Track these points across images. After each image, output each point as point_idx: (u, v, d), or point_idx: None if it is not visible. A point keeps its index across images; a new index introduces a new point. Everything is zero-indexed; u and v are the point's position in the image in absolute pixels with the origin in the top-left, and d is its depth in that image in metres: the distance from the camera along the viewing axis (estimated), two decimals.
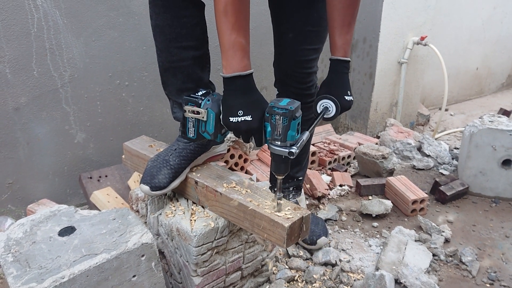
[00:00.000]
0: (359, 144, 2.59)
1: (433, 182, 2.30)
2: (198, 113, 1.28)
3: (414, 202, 2.07)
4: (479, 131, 2.18)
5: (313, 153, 2.40)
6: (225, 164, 2.20)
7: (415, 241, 1.86)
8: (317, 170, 2.43)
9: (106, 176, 2.01)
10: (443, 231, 1.92)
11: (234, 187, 1.40)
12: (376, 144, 2.62)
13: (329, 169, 2.47)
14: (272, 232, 1.26)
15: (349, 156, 2.55)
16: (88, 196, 1.91)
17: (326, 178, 2.34)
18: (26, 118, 1.86)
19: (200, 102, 1.28)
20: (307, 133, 1.26)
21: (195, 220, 1.39)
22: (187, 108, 1.29)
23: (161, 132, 2.23)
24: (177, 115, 1.50)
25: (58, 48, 1.85)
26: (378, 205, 2.06)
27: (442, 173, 2.49)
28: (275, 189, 1.28)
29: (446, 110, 3.61)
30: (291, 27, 1.55)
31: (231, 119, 1.21)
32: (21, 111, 1.84)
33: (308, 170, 2.31)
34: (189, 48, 1.38)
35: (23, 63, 1.80)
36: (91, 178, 1.98)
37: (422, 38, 2.79)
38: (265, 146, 2.47)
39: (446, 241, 1.90)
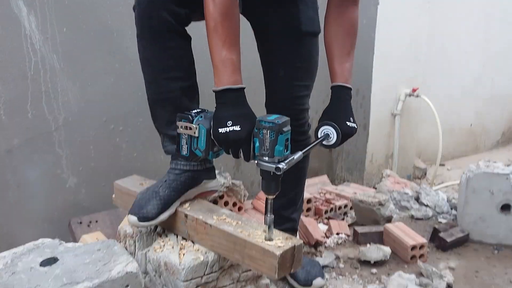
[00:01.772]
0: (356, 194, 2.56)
1: (432, 230, 2.25)
2: (190, 128, 1.29)
3: (414, 248, 2.00)
4: (475, 176, 2.16)
5: (309, 201, 2.37)
6: None
7: (416, 285, 1.78)
8: (313, 218, 2.37)
9: (96, 221, 1.97)
10: (445, 277, 1.85)
11: (225, 219, 1.37)
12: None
13: (326, 218, 2.42)
14: (263, 262, 1.21)
15: (345, 206, 2.51)
16: (77, 240, 1.85)
17: (322, 227, 2.29)
18: (18, 161, 1.85)
19: (192, 118, 1.29)
20: (300, 153, 1.25)
21: (184, 254, 1.35)
22: (179, 124, 1.31)
23: (155, 178, 2.20)
24: (168, 149, 1.49)
25: (53, 92, 1.88)
26: (376, 251, 2.00)
27: (441, 222, 2.44)
28: (266, 213, 1.24)
29: (443, 165, 3.61)
30: (281, 65, 1.58)
31: (220, 130, 1.22)
32: (13, 153, 1.84)
33: (304, 217, 2.26)
34: (177, 79, 1.40)
35: (18, 105, 1.82)
36: (81, 223, 1.94)
37: (414, 90, 2.85)
38: (261, 194, 2.45)
39: (448, 286, 1.82)
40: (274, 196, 1.23)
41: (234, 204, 2.23)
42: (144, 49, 1.39)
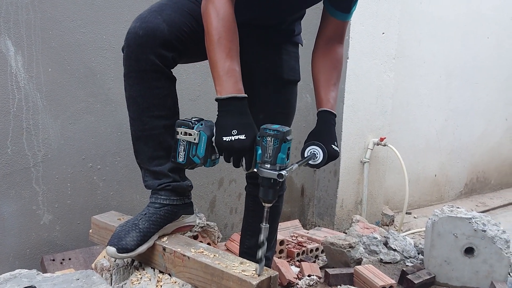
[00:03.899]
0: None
1: (400, 273, 2.31)
2: (190, 134, 1.29)
3: None
4: (440, 219, 2.26)
5: (281, 242, 2.41)
6: None
7: None
8: (286, 260, 2.41)
9: (69, 259, 1.95)
10: None
11: (202, 252, 1.40)
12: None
13: (298, 260, 2.45)
14: None
15: (317, 249, 2.56)
16: None
17: (294, 269, 2.32)
18: None
19: (192, 125, 1.30)
20: (296, 165, 1.29)
21: (161, 286, 1.36)
22: (179, 130, 1.31)
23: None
24: (149, 183, 1.53)
25: (34, 128, 1.92)
26: None
27: (408, 266, 2.50)
28: (262, 222, 1.26)
29: (409, 213, 3.72)
30: (262, 109, 1.67)
31: (225, 138, 1.24)
32: None
33: (276, 258, 2.30)
34: (161, 118, 1.45)
35: None
36: (53, 260, 1.92)
37: (382, 139, 2.99)
38: (234, 236, 2.48)
39: None
40: (271, 205, 1.26)
41: (208, 245, 2.25)
42: (131, 88, 1.44)
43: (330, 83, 1.55)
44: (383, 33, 3.03)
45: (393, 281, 2.10)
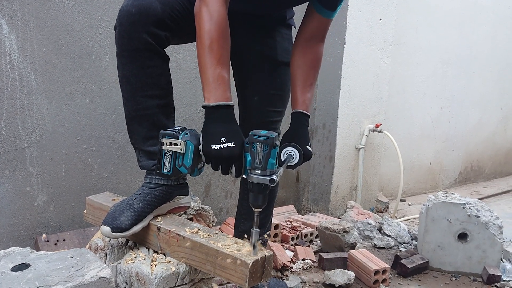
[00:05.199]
0: None
1: (394, 258, 2.33)
2: (175, 145, 1.29)
3: (376, 272, 2.07)
4: (434, 205, 2.27)
5: (276, 226, 2.42)
6: None
7: None
8: (280, 245, 2.42)
9: (64, 240, 1.95)
10: None
11: (197, 232, 1.40)
12: None
13: (292, 245, 2.46)
14: (234, 272, 1.25)
15: (311, 234, 2.57)
16: None
17: (289, 254, 2.33)
18: None
19: (177, 135, 1.29)
20: (282, 169, 1.30)
21: (155, 265, 1.36)
22: (164, 140, 1.30)
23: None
24: (143, 164, 1.52)
25: (29, 109, 1.91)
26: (341, 275, 2.05)
27: (401, 251, 2.52)
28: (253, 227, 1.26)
29: (404, 200, 3.74)
30: (256, 91, 1.67)
31: (213, 146, 1.23)
32: None
33: (271, 242, 2.31)
34: (154, 97, 1.44)
35: None
36: (48, 241, 1.92)
37: (377, 126, 3.00)
38: (229, 220, 2.48)
39: None
40: (261, 210, 1.27)
41: None
42: (124, 67, 1.43)
43: (307, 83, 1.55)
44: (380, 19, 3.02)
45: (387, 265, 2.11)
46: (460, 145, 4.31)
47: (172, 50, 1.43)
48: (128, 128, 1.51)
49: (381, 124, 3.01)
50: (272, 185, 1.22)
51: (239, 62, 1.69)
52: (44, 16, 1.91)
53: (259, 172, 1.23)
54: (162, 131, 1.34)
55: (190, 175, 1.34)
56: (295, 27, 1.71)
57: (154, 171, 1.43)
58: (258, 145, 1.21)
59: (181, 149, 1.29)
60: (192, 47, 2.19)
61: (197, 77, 2.34)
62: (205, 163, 1.33)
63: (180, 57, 2.29)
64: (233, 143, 1.24)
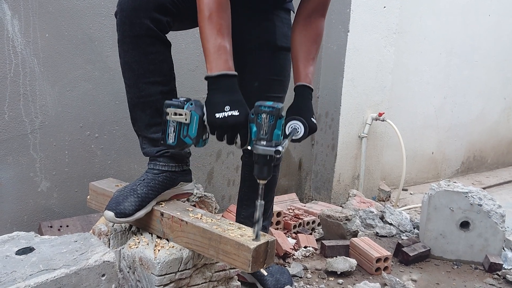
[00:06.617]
0: None
1: (396, 246, 2.33)
2: (180, 115, 1.27)
3: (378, 260, 2.08)
4: (437, 193, 2.28)
5: (279, 214, 2.42)
6: None
7: None
8: (283, 232, 2.42)
9: (67, 226, 1.96)
10: (408, 287, 1.92)
11: (200, 217, 1.41)
12: None
13: (294, 232, 2.47)
14: (237, 256, 1.26)
15: (313, 222, 2.57)
16: None
17: (291, 241, 2.34)
18: None
19: (182, 105, 1.28)
20: (287, 141, 1.29)
21: (159, 250, 1.37)
22: (169, 110, 1.29)
23: None
24: (147, 151, 1.53)
25: (32, 95, 1.90)
26: (343, 262, 2.06)
27: (403, 239, 2.53)
28: (258, 198, 1.26)
29: (406, 190, 3.74)
30: (256, 76, 1.66)
31: (217, 115, 1.23)
32: None
33: (273, 229, 2.31)
34: (157, 84, 1.44)
35: None
36: (51, 227, 1.93)
37: (380, 114, 2.99)
38: (231, 207, 2.49)
39: None
40: (266, 182, 1.26)
41: None
42: (125, 53, 1.43)
43: (309, 57, 1.53)
44: (384, 7, 2.99)
45: (389, 253, 2.12)
46: (463, 134, 4.29)
47: (175, 37, 1.42)
48: (131, 115, 1.51)
49: (384, 113, 3.01)
50: (278, 156, 1.21)
51: (238, 48, 1.68)
52: (47, 1, 1.89)
53: (265, 143, 1.22)
54: (166, 101, 1.31)
55: (195, 146, 1.31)
56: (293, 12, 1.70)
57: (159, 142, 1.40)
58: (264, 115, 1.21)
59: (186, 119, 1.27)
60: (195, 34, 2.19)
61: (200, 64, 2.34)
62: (209, 134, 1.32)
63: (184, 44, 2.28)
64: (237, 111, 1.23)
